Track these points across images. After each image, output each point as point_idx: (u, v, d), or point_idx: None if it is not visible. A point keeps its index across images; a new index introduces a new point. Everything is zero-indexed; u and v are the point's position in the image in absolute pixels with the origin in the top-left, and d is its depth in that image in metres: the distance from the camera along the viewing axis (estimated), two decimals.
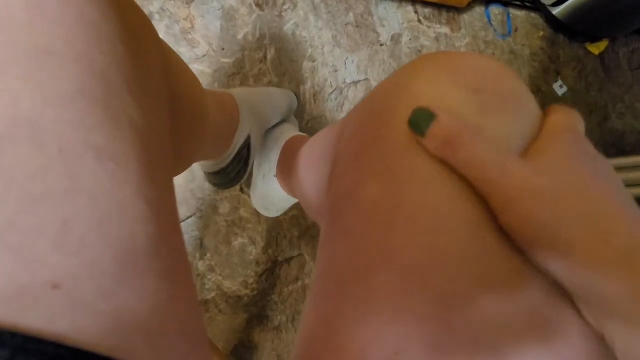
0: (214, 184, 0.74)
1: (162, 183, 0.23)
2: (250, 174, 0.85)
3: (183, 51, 0.88)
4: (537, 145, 0.26)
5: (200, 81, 0.86)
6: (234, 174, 0.71)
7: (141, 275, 0.19)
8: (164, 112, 0.28)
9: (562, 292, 0.24)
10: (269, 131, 0.83)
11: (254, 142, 0.72)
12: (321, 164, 0.44)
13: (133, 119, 0.22)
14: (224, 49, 0.90)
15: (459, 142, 0.25)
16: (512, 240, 0.24)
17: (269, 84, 0.92)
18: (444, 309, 0.23)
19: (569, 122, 0.27)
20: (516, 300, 0.23)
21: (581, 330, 0.23)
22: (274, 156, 0.79)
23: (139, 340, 0.18)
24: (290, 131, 0.82)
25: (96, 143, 0.19)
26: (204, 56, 0.89)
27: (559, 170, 0.24)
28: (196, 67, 0.88)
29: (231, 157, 0.68)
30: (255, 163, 0.84)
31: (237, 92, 0.72)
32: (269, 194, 0.81)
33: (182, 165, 0.50)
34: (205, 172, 0.72)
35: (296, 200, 0.83)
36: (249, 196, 0.88)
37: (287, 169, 0.72)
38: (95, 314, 0.17)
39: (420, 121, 0.26)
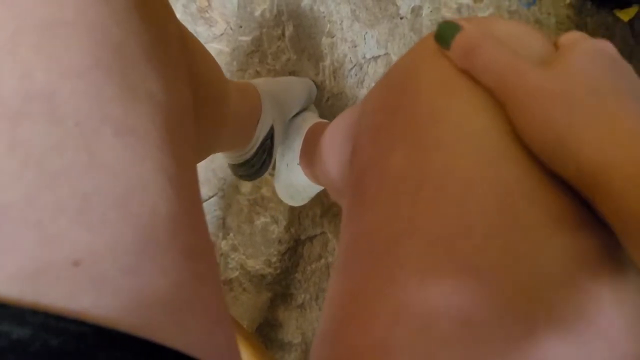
0: (239, 176, 0.74)
1: (184, 159, 0.23)
2: (274, 165, 0.85)
3: (200, 30, 0.87)
4: (554, 56, 0.26)
5: (219, 61, 0.85)
6: (258, 164, 0.72)
7: (163, 252, 0.19)
8: (185, 88, 0.27)
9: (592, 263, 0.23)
10: (290, 120, 0.83)
11: (277, 132, 0.73)
12: (344, 142, 0.44)
13: (152, 92, 0.21)
14: (241, 27, 0.89)
15: (480, 49, 0.25)
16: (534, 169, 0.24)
17: (288, 61, 0.90)
18: (471, 279, 0.22)
19: (582, 35, 0.27)
20: (546, 269, 0.22)
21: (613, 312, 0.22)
22: (297, 144, 0.79)
23: (161, 318, 0.18)
24: (311, 119, 0.82)
25: (114, 116, 0.18)
26: (221, 35, 0.88)
27: (574, 73, 0.24)
28: (214, 46, 0.87)
29: (255, 148, 0.69)
30: (278, 152, 0.84)
31: (258, 82, 0.72)
32: (294, 183, 0.81)
33: (202, 151, 0.49)
34: (230, 165, 0.73)
35: (321, 188, 0.83)
36: (270, 175, 0.88)
37: (310, 156, 0.72)
38: (117, 290, 0.17)
39: (446, 33, 0.26)
